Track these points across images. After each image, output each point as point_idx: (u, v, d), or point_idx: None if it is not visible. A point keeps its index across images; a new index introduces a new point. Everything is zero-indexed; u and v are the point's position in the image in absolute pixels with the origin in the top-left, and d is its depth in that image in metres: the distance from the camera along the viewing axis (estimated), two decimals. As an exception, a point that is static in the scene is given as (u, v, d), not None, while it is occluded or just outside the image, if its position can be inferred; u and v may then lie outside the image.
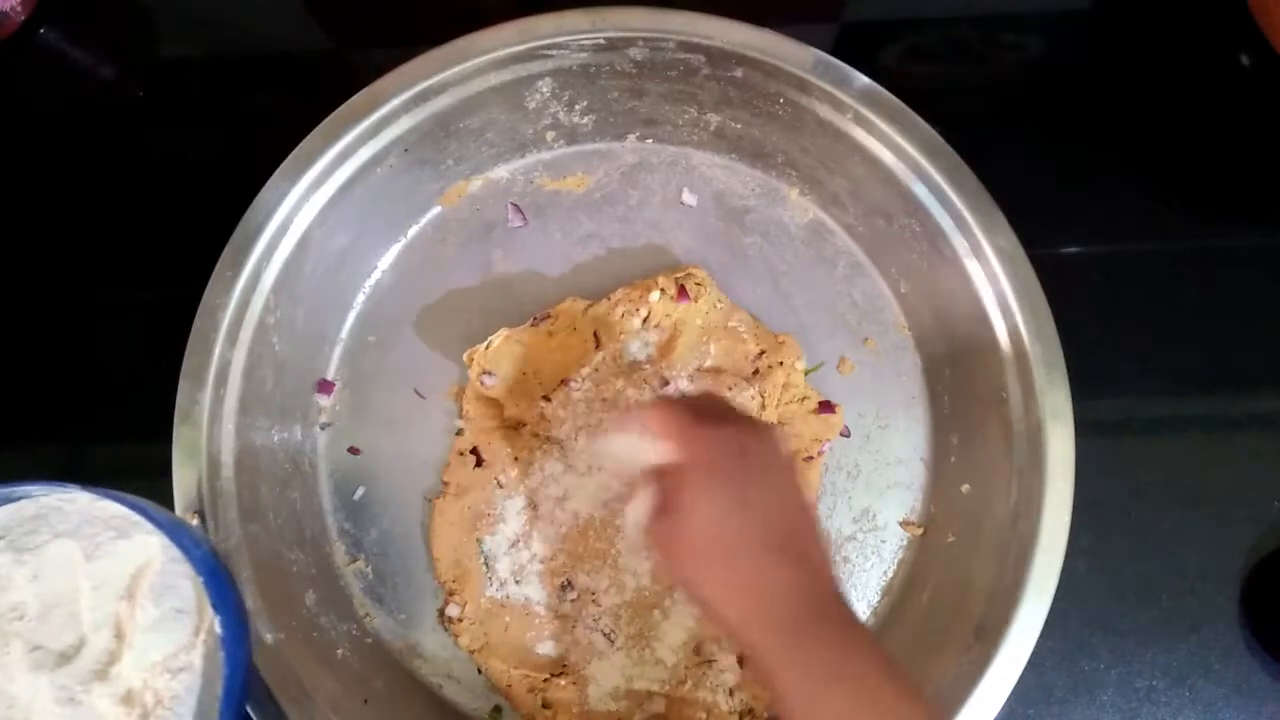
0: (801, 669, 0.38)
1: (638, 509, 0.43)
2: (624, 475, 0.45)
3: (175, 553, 0.43)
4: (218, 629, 0.41)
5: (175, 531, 0.42)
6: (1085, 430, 0.52)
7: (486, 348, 0.59)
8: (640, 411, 0.44)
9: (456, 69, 0.57)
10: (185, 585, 0.43)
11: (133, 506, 0.43)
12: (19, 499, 0.43)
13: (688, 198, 0.65)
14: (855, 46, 0.68)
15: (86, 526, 0.43)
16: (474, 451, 0.58)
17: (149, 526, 0.43)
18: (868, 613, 0.58)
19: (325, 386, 0.61)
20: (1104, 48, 0.70)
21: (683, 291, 0.59)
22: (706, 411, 0.44)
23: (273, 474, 0.56)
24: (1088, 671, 0.57)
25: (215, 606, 0.41)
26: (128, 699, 0.41)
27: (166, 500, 0.51)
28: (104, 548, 0.43)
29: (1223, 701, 0.56)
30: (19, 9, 0.68)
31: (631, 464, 0.44)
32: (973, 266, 0.56)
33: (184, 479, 0.51)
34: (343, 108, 0.57)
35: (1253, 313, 0.63)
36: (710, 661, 0.55)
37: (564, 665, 0.55)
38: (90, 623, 0.42)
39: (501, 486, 0.57)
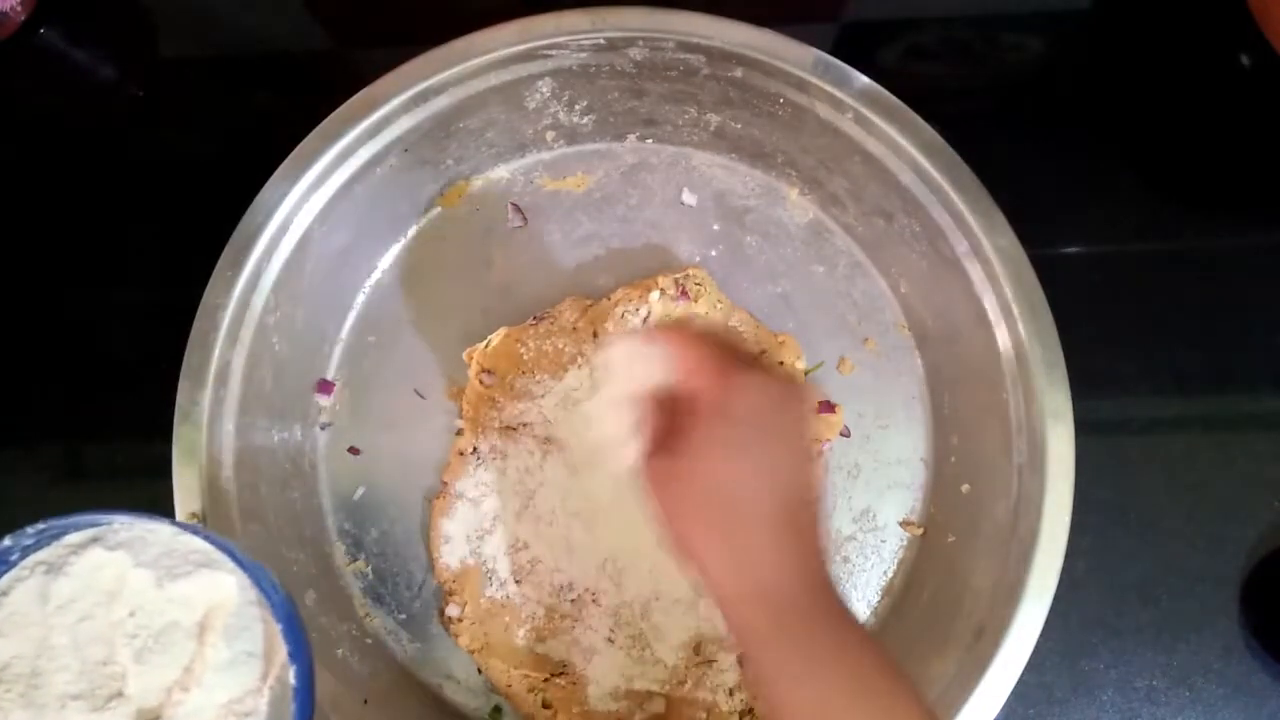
0: (790, 651, 0.36)
1: (635, 434, 0.40)
2: (628, 394, 0.41)
3: (251, 594, 0.43)
4: (291, 679, 0.41)
5: (257, 574, 0.42)
6: (1085, 430, 0.52)
7: (486, 347, 0.59)
8: (666, 334, 0.41)
9: (456, 69, 0.57)
10: (258, 629, 0.43)
11: (216, 544, 0.43)
12: (103, 525, 0.43)
13: (688, 198, 0.65)
14: (855, 46, 0.68)
15: (165, 558, 0.43)
16: (474, 451, 0.58)
17: (228, 565, 0.43)
18: (868, 613, 0.58)
19: (325, 386, 0.61)
20: (1104, 48, 0.70)
21: (683, 291, 0.59)
22: (735, 353, 0.41)
23: (273, 474, 0.56)
24: (1088, 671, 0.57)
25: (292, 656, 0.41)
26: None
27: (167, 500, 0.51)
28: (180, 580, 0.43)
29: (1223, 701, 0.56)
30: (19, 9, 0.68)
31: (641, 381, 0.41)
32: (973, 266, 0.56)
33: (184, 479, 0.51)
34: (343, 108, 0.57)
35: (1253, 313, 0.63)
36: (710, 661, 0.55)
37: (564, 665, 0.55)
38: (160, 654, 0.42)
39: (501, 487, 0.57)
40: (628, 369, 0.42)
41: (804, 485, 0.40)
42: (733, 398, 0.39)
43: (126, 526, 0.43)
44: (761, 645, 0.37)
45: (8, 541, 0.41)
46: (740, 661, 0.54)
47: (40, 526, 0.42)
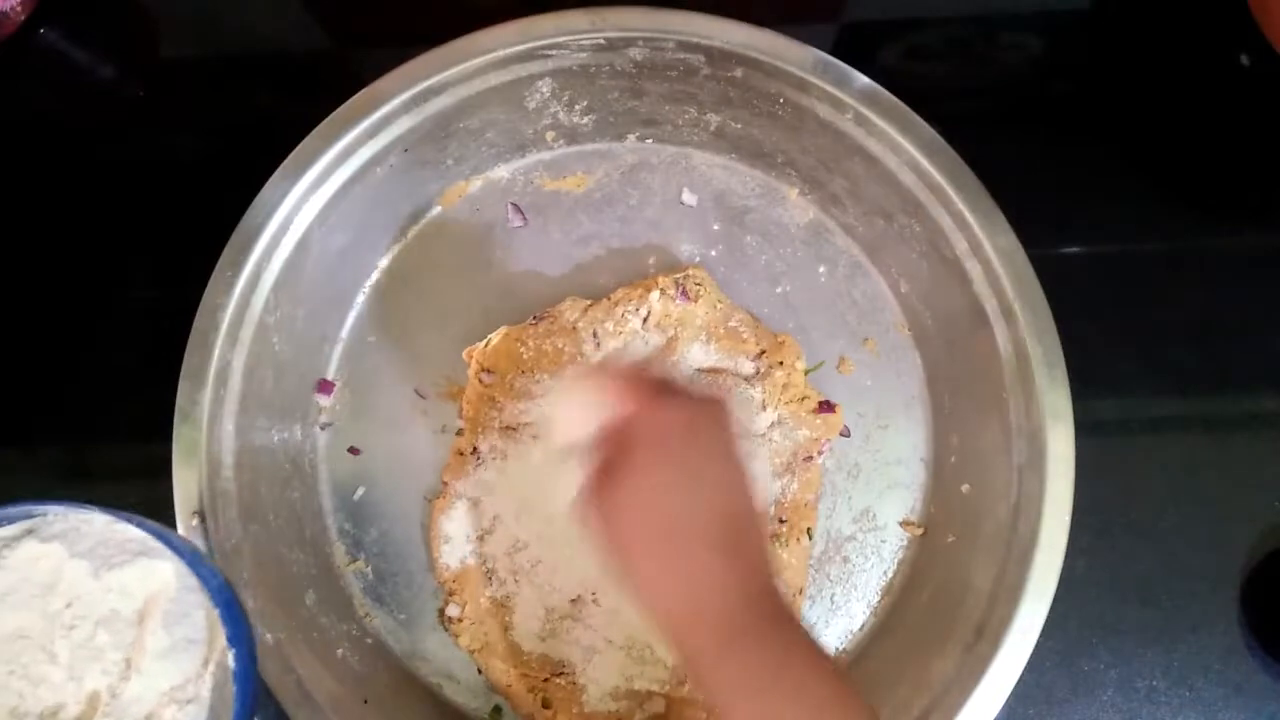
0: (738, 671, 0.36)
1: (575, 472, 0.41)
2: (568, 439, 0.43)
3: (191, 581, 0.43)
4: (231, 662, 0.41)
5: (194, 560, 0.42)
6: (1085, 430, 0.52)
7: (486, 346, 0.59)
8: (596, 373, 0.42)
9: (456, 69, 0.57)
10: (198, 615, 0.43)
11: (151, 531, 0.42)
12: (36, 516, 0.43)
13: (688, 198, 0.65)
14: (855, 46, 0.68)
15: (101, 548, 0.43)
16: (474, 451, 0.58)
17: (166, 553, 0.43)
18: (868, 613, 0.58)
19: (325, 386, 0.61)
20: (1104, 48, 0.70)
21: (683, 291, 0.59)
22: (658, 380, 0.42)
23: (273, 474, 0.56)
24: (1088, 671, 0.57)
25: (231, 640, 0.41)
26: None
27: (167, 500, 0.51)
28: (117, 570, 0.43)
29: (1223, 701, 0.56)
30: (19, 9, 0.68)
31: (580, 426, 0.42)
32: (973, 266, 0.56)
33: (184, 479, 0.51)
34: (343, 108, 0.57)
35: (1253, 313, 0.63)
36: (710, 661, 0.55)
37: (564, 665, 0.55)
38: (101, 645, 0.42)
39: (501, 487, 0.57)
40: (565, 418, 0.42)
41: (739, 497, 0.40)
42: (656, 418, 0.40)
43: (61, 517, 0.43)
44: (708, 669, 0.37)
45: None
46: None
47: None
